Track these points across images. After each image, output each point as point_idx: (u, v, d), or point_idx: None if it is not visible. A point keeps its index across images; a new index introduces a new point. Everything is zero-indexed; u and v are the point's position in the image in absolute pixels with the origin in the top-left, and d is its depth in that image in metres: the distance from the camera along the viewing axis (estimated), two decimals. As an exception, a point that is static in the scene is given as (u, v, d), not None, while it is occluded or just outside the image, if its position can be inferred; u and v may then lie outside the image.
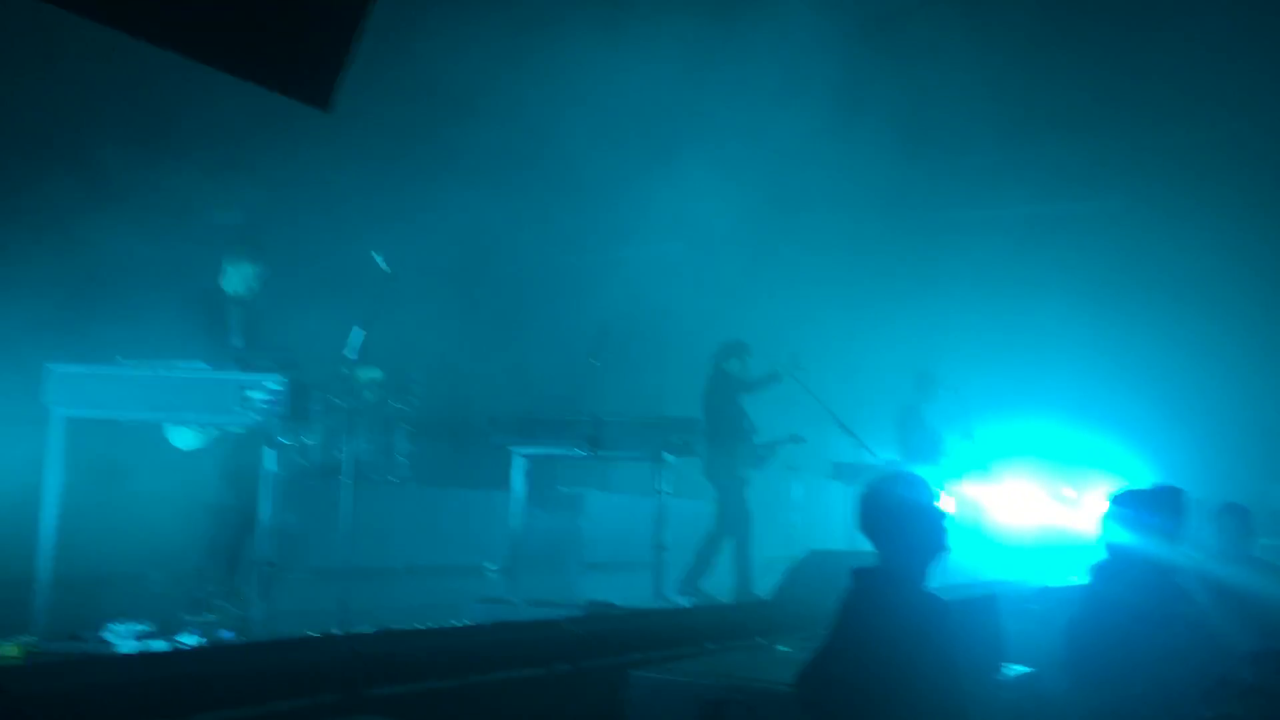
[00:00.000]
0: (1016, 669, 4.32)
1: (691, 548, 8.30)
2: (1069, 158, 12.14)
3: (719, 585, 8.22)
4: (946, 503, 3.43)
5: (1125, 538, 4.60)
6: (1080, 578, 5.43)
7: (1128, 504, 4.66)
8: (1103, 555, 4.79)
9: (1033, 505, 12.44)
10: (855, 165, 11.07)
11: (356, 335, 5.76)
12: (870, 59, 10.72)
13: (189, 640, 4.71)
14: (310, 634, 5.25)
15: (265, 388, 5.11)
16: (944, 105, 11.12)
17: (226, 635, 4.94)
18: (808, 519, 10.67)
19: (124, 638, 4.78)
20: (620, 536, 11.74)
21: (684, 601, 7.51)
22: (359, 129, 8.74)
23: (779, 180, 11.49)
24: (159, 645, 4.66)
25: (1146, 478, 10.91)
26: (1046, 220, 12.78)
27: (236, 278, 6.14)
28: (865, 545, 3.38)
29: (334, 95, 2.34)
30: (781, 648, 4.92)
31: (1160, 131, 11.55)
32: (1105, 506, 4.71)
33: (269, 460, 5.29)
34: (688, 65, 10.35)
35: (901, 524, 3.22)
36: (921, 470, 8.69)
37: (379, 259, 6.04)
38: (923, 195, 12.38)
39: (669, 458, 7.06)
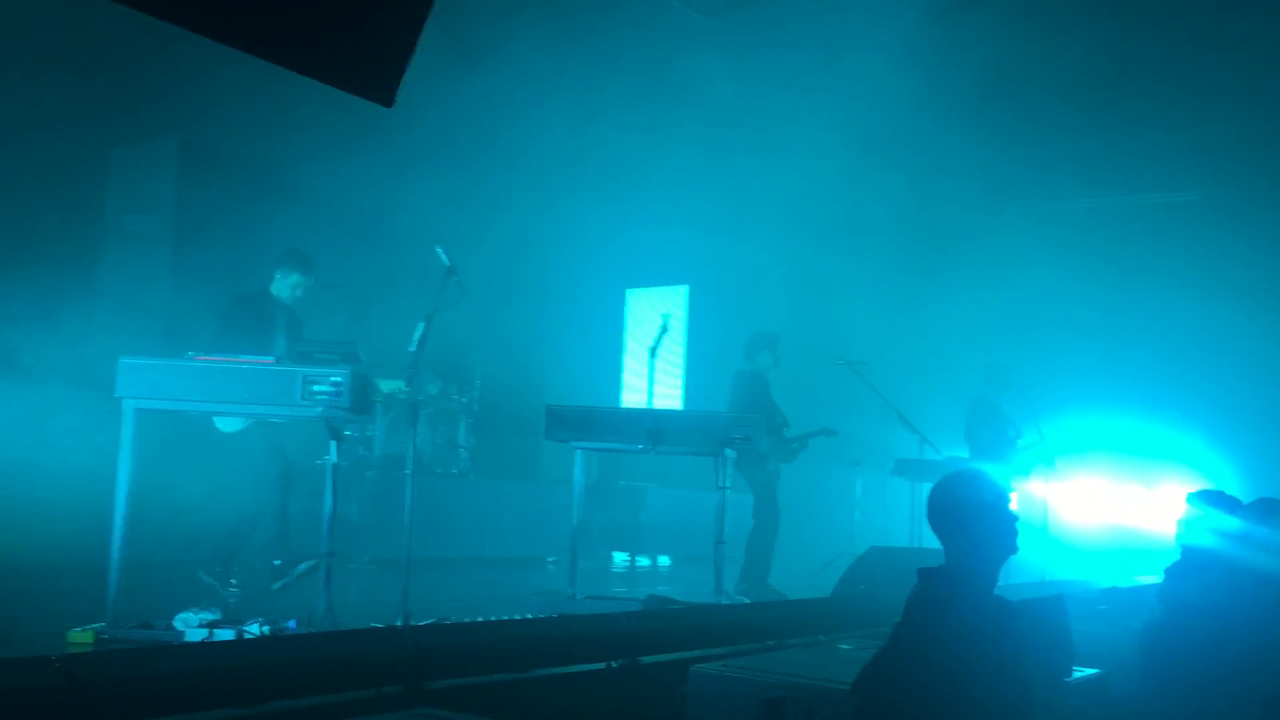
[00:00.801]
0: (1084, 671, 4.22)
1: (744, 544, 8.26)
2: (1142, 150, 11.87)
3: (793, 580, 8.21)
4: (1013, 501, 3.35)
5: (1204, 539, 4.49)
6: (1150, 577, 5.30)
7: (1207, 504, 4.54)
8: (1176, 556, 4.68)
9: (1101, 503, 12.23)
10: (923, 158, 10.93)
11: (418, 329, 5.79)
12: (937, 46, 10.56)
13: (254, 630, 4.78)
14: (373, 625, 5.31)
15: (329, 380, 5.17)
16: (1016, 94, 10.92)
17: (290, 625, 5.00)
18: (869, 516, 10.59)
19: (193, 626, 4.87)
20: (680, 530, 11.76)
21: (744, 599, 7.48)
22: (423, 126, 8.81)
23: (845, 174, 11.37)
24: (226, 634, 4.74)
25: (1221, 475, 10.69)
26: (1118, 213, 12.53)
27: (285, 285, 6.70)
28: (928, 542, 3.30)
29: (396, 91, 2.36)
30: (843, 645, 4.87)
31: (1239, 121, 11.23)
32: (1183, 507, 4.60)
33: (332, 451, 5.35)
34: (742, 58, 10.28)
35: (970, 523, 3.14)
36: (990, 467, 8.59)
37: (441, 252, 6.08)
38: (991, 187, 12.17)
39: (729, 453, 7.00)
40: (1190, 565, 4.54)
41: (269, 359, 5.36)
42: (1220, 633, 4.09)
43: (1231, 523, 4.38)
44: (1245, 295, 10.92)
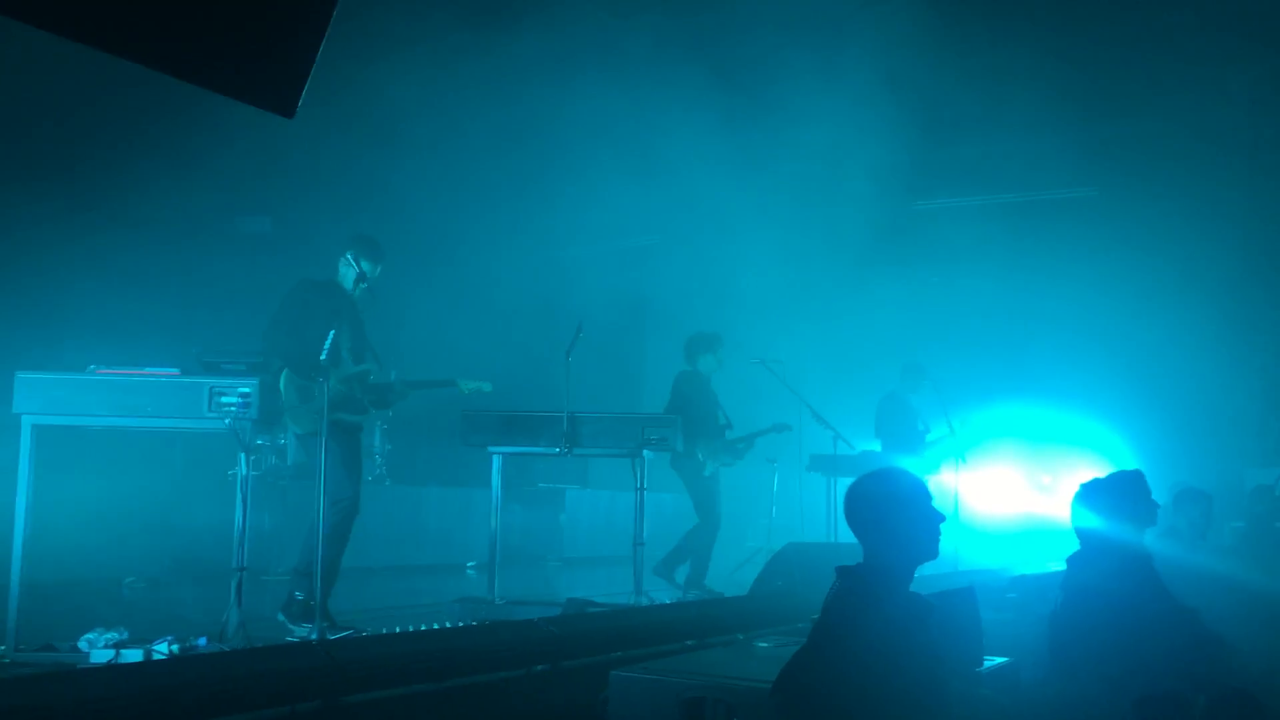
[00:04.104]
0: (995, 659, 4.32)
1: (668, 542, 8.29)
2: (1041, 148, 12.18)
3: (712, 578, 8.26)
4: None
5: (1096, 525, 4.60)
6: (1057, 565, 5.43)
7: (1096, 491, 4.66)
8: (1076, 544, 4.80)
9: (1009, 492, 12.53)
10: (836, 156, 11.06)
11: (328, 337, 5.70)
12: (840, 46, 10.70)
13: (162, 649, 4.66)
14: (287, 639, 5.22)
15: (236, 391, 5.06)
16: (926, 93, 11.11)
17: (201, 643, 4.88)
18: (785, 511, 10.70)
19: (98, 647, 4.72)
20: (599, 531, 11.76)
21: (661, 595, 7.50)
22: (329, 120, 8.67)
23: (756, 171, 11.45)
24: (133, 655, 4.61)
25: (1124, 459, 11.03)
26: (1018, 209, 12.84)
27: (350, 275, 6.17)
28: (844, 537, 3.33)
29: (298, 101, 2.32)
30: (761, 644, 4.91)
31: (1133, 119, 11.60)
32: (1074, 494, 4.71)
33: (241, 464, 5.23)
34: (666, 66, 10.31)
35: (890, 522, 3.16)
36: (902, 461, 8.75)
37: (352, 257, 6.00)
38: (903, 184, 12.38)
39: (647, 454, 7.02)
40: (1088, 551, 4.66)
41: (174, 370, 5.21)
42: (1118, 617, 4.21)
43: (1116, 507, 4.46)
44: (1141, 286, 11.29)
